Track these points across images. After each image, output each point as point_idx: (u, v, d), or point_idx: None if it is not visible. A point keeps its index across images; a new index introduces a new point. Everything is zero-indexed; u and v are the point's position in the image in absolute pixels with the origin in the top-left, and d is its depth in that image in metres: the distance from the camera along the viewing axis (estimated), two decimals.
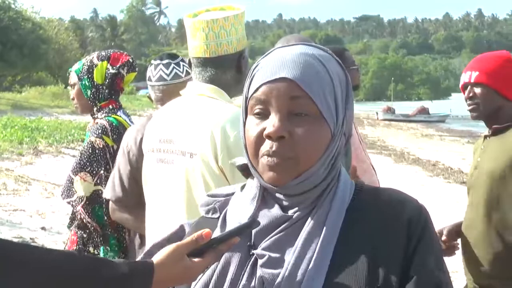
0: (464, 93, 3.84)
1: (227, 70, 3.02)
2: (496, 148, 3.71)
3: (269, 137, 1.63)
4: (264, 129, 1.64)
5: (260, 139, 1.65)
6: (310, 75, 1.65)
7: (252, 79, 1.71)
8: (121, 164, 3.79)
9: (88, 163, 4.23)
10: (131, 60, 4.52)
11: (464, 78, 3.83)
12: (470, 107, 3.81)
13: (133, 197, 3.67)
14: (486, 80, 3.73)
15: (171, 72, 4.04)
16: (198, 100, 2.96)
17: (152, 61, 4.16)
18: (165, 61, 4.06)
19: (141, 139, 3.63)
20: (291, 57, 1.67)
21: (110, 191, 3.81)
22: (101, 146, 4.21)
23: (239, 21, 3.02)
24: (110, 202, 3.84)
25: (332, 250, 1.63)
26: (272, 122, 1.63)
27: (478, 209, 3.71)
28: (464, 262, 3.86)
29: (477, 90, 3.76)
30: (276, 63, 1.66)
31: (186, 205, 2.86)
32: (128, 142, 3.81)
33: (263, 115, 1.66)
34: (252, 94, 1.68)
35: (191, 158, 2.84)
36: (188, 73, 4.04)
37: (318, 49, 1.72)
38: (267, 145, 1.64)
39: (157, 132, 3.05)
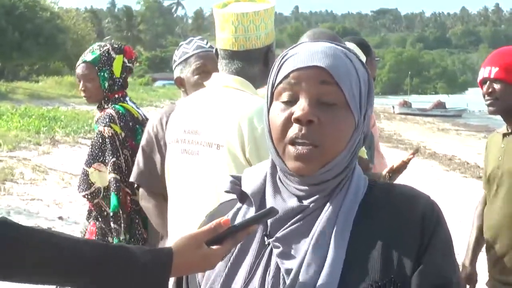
0: (482, 88, 3.83)
1: (255, 64, 3.02)
2: None
3: (298, 120, 1.63)
4: (292, 113, 1.64)
5: (287, 123, 1.65)
6: (340, 66, 1.66)
7: (280, 67, 1.71)
8: (149, 149, 3.82)
9: (100, 153, 4.26)
10: (137, 54, 4.61)
11: (484, 73, 3.81)
12: (488, 102, 3.80)
13: (163, 183, 3.70)
14: (505, 76, 3.72)
15: (206, 43, 4.12)
16: (225, 92, 2.95)
17: (180, 44, 4.19)
18: (197, 37, 4.18)
19: (167, 122, 3.65)
20: (322, 49, 1.68)
21: (138, 176, 3.84)
22: (110, 135, 4.24)
23: (269, 15, 3.01)
24: (141, 188, 3.87)
25: (347, 241, 1.64)
26: (301, 106, 1.63)
27: (504, 210, 3.72)
28: (490, 261, 3.86)
29: (496, 86, 3.75)
30: (308, 53, 1.67)
31: (211, 196, 2.84)
32: (154, 124, 3.83)
33: (291, 102, 1.66)
34: (281, 82, 1.68)
35: (218, 149, 2.84)
36: (212, 47, 4.10)
37: (344, 48, 1.73)
38: (295, 129, 1.63)
39: (182, 122, 3.04)
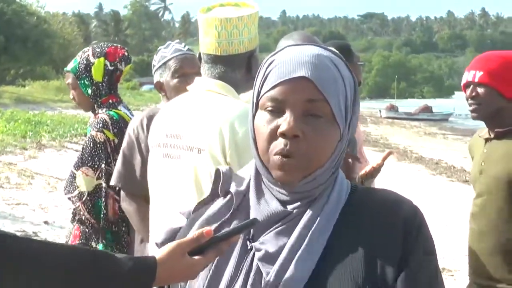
0: (465, 92, 3.83)
1: (237, 69, 3.02)
2: (501, 153, 3.70)
3: (283, 135, 1.64)
4: (278, 126, 1.65)
5: (272, 136, 1.66)
6: (327, 77, 1.66)
7: (266, 76, 1.70)
8: (129, 151, 3.82)
9: (89, 158, 4.25)
10: (126, 54, 4.53)
11: (468, 76, 3.80)
12: (472, 107, 3.79)
13: (143, 186, 3.71)
14: (489, 81, 3.71)
15: (184, 46, 4.16)
16: (206, 96, 2.96)
17: (159, 49, 4.22)
18: (174, 41, 4.22)
19: (147, 124, 3.67)
20: (309, 58, 1.67)
21: (118, 179, 3.84)
22: (102, 140, 4.23)
23: (252, 20, 3.02)
24: (122, 191, 3.87)
25: (324, 243, 1.66)
26: (287, 120, 1.64)
27: (489, 215, 3.72)
28: (472, 266, 3.86)
29: (480, 90, 3.74)
30: (294, 61, 1.67)
31: (192, 200, 2.81)
32: (135, 128, 3.84)
33: (276, 112, 1.67)
34: (267, 91, 1.68)
35: (199, 153, 2.84)
36: (190, 50, 4.16)
37: (329, 52, 1.73)
38: (281, 144, 1.64)
39: (164, 126, 3.05)
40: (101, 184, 4.22)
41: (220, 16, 2.97)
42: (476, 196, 3.84)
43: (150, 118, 3.69)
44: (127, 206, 3.85)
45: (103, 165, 4.22)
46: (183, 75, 3.97)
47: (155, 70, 4.14)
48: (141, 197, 3.73)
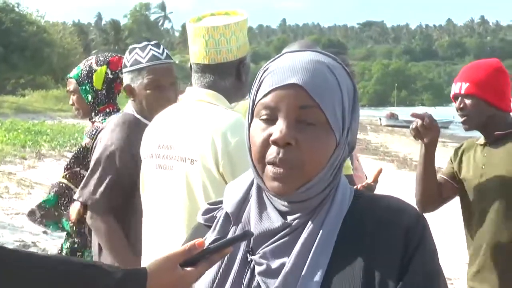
0: (455, 103, 3.84)
1: (227, 77, 3.00)
2: (502, 156, 3.70)
3: (275, 143, 1.61)
4: (270, 134, 1.62)
5: (265, 145, 1.63)
6: (321, 83, 1.62)
7: (260, 84, 1.68)
8: (102, 166, 3.74)
9: (71, 160, 4.38)
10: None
11: (455, 89, 3.82)
12: (462, 119, 3.82)
13: (110, 202, 3.66)
14: (476, 92, 3.73)
15: (163, 51, 3.84)
16: (197, 106, 2.94)
17: (130, 47, 3.89)
18: (152, 42, 3.90)
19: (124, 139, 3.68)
20: (302, 64, 1.64)
21: (85, 193, 3.78)
22: (89, 146, 4.24)
23: (240, 28, 3.00)
24: (88, 209, 3.79)
25: (328, 256, 1.62)
26: (279, 128, 1.60)
27: (490, 218, 3.70)
28: (471, 272, 3.83)
29: (468, 101, 3.76)
30: (287, 69, 1.64)
31: (186, 211, 2.84)
32: (113, 142, 3.74)
33: (270, 120, 1.63)
34: (260, 99, 1.65)
35: (192, 164, 2.83)
36: (168, 57, 3.85)
37: (328, 58, 1.69)
38: (273, 152, 1.61)
39: (156, 137, 3.03)
40: (63, 183, 4.32)
41: (207, 25, 2.97)
42: (475, 199, 3.81)
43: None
44: (100, 223, 3.74)
45: (78, 169, 4.26)
46: (158, 88, 3.74)
47: (126, 72, 3.84)
48: (106, 213, 3.71)
